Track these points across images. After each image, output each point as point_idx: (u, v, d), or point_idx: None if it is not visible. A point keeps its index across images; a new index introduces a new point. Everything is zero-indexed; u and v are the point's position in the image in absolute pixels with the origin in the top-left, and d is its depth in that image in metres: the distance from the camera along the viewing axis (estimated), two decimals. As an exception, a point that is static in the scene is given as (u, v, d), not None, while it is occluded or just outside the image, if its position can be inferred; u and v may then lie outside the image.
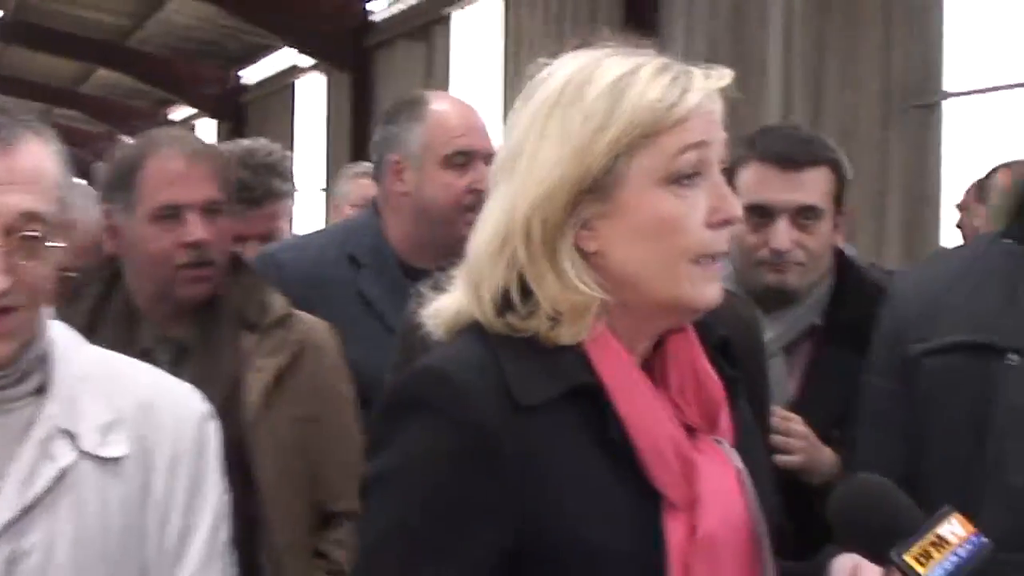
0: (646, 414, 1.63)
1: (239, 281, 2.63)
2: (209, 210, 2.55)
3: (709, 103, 1.63)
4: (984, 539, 1.63)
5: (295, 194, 3.76)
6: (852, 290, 2.75)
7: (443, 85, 13.24)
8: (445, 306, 1.70)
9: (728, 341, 1.79)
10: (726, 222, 1.64)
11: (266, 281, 2.72)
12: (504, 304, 1.64)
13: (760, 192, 2.67)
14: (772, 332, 2.67)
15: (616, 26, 9.58)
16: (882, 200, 7.48)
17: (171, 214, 2.52)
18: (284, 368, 2.53)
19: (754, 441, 1.81)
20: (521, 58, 11.32)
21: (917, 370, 2.20)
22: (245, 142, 3.73)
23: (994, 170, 4.92)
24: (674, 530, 1.60)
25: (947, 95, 7.33)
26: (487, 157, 2.54)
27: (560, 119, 1.61)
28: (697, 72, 1.63)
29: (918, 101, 7.31)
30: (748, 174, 2.67)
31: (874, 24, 7.53)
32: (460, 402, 1.59)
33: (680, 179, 1.61)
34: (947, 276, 2.28)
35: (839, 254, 2.81)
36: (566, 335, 1.63)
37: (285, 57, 17.51)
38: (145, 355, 2.44)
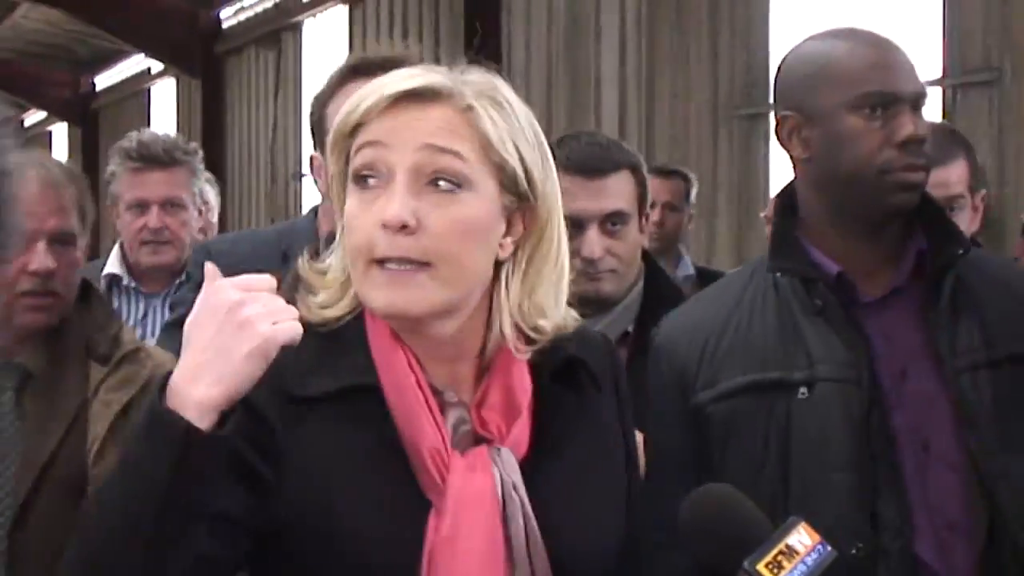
0: (410, 418, 1.63)
1: (90, 312, 2.58)
2: (58, 240, 2.49)
3: (393, 108, 1.62)
4: (829, 548, 1.66)
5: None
6: (661, 294, 2.69)
7: (294, 92, 13.19)
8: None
9: (577, 362, 1.76)
10: (388, 226, 1.59)
11: (115, 315, 2.68)
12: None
13: (568, 203, 2.54)
14: None
15: (458, 39, 9.69)
16: (712, 205, 7.62)
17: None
18: (132, 402, 2.45)
19: (597, 458, 1.76)
20: (368, 66, 11.32)
21: (707, 419, 2.15)
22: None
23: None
24: (431, 529, 1.61)
25: (772, 105, 7.46)
26: None
27: None
28: (379, 81, 1.65)
29: (744, 111, 7.46)
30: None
31: (702, 37, 7.70)
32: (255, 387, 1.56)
33: (357, 179, 1.62)
34: (718, 317, 2.22)
35: (646, 257, 2.79)
36: (333, 314, 1.68)
37: (138, 62, 17.25)
38: None
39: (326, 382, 1.65)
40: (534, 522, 1.64)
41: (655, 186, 5.05)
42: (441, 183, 1.60)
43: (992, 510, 2.02)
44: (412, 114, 1.60)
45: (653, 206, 4.83)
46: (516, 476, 1.65)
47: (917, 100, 2.10)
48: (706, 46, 7.65)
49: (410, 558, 1.59)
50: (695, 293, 4.41)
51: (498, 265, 1.67)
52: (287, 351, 1.55)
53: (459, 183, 1.61)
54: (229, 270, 2.53)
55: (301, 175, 12.40)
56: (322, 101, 2.61)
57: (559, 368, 1.73)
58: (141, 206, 3.61)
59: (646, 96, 8.06)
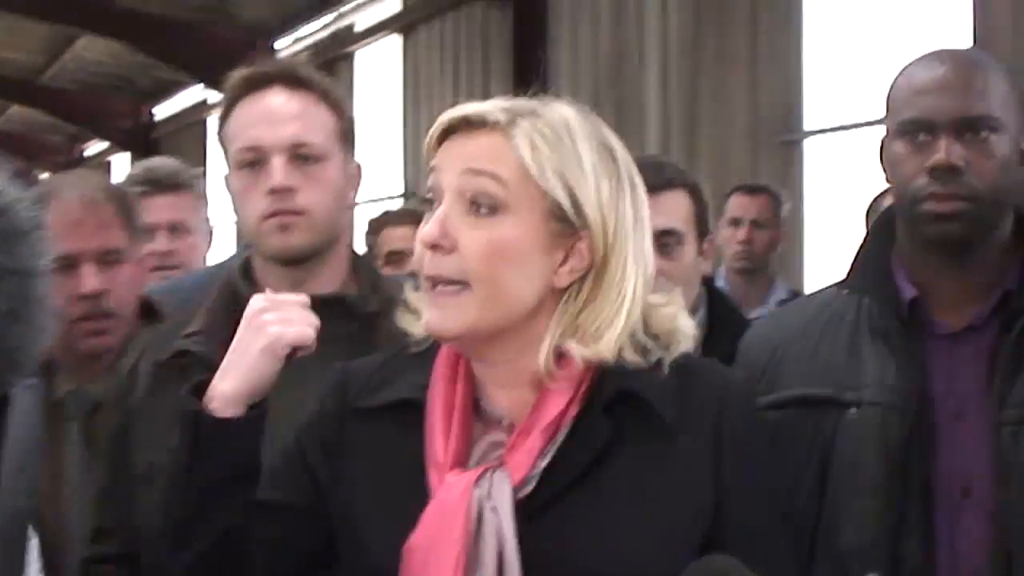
0: (431, 435, 1.68)
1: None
2: (104, 259, 2.47)
3: (449, 136, 1.69)
4: None
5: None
6: (725, 322, 2.59)
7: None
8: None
9: (631, 395, 1.67)
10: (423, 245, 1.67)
11: None
12: None
13: None
14: None
15: (507, 67, 9.83)
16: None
17: (65, 264, 2.36)
18: None
19: (641, 494, 1.66)
20: (419, 96, 11.53)
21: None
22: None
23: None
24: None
25: (808, 133, 7.65)
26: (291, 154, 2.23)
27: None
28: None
29: (782, 138, 7.62)
30: None
31: (741, 66, 7.82)
32: (331, 391, 1.80)
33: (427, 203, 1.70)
34: (795, 327, 2.18)
35: (708, 283, 2.67)
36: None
37: (196, 93, 17.52)
38: (56, 407, 2.48)
39: (384, 395, 1.75)
40: (513, 544, 1.60)
41: (742, 203, 5.11)
42: (481, 206, 1.64)
43: (1014, 566, 1.95)
44: (461, 140, 1.67)
45: (739, 224, 5.02)
46: (501, 498, 1.62)
47: (961, 126, 1.99)
48: (745, 75, 7.79)
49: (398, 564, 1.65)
50: None
51: (560, 293, 1.68)
52: (367, 367, 1.79)
53: (496, 206, 1.64)
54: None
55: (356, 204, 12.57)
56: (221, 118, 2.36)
57: (613, 400, 1.67)
58: (148, 231, 3.30)
59: (688, 125, 8.21)
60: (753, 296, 4.91)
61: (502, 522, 1.61)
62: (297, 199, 2.16)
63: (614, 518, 1.63)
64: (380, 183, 12.04)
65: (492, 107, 1.68)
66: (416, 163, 11.41)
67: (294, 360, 1.74)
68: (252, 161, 2.19)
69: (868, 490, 2.04)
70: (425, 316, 1.68)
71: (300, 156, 2.18)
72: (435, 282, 1.65)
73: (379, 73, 12.93)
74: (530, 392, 1.68)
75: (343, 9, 12.83)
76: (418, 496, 1.66)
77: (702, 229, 2.60)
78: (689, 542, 1.65)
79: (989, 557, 1.97)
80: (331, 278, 2.24)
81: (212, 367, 1.86)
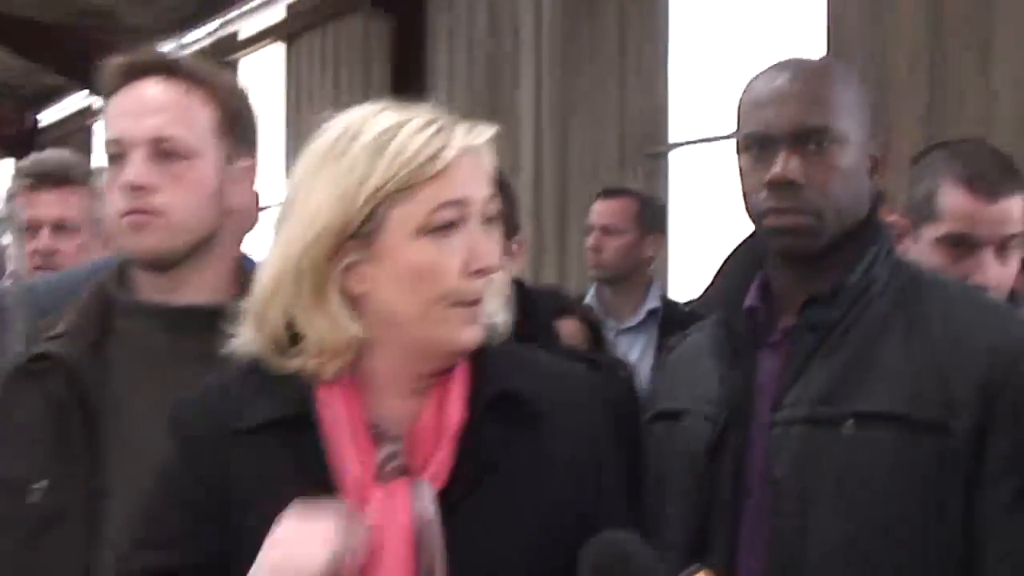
0: (340, 449, 1.63)
1: None
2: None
3: (470, 158, 1.63)
4: None
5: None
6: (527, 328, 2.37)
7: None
8: (241, 340, 1.70)
9: (513, 395, 1.69)
10: (481, 272, 1.63)
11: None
12: (280, 343, 1.66)
13: None
14: None
15: (386, 76, 9.81)
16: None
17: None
18: None
19: (530, 493, 1.68)
20: (301, 104, 11.46)
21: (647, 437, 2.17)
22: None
23: None
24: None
25: (673, 145, 7.75)
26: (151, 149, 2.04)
27: (330, 169, 1.61)
28: (460, 128, 1.65)
29: (650, 150, 7.71)
30: None
31: (612, 81, 7.91)
32: (184, 422, 1.70)
33: (437, 229, 1.61)
34: (686, 344, 2.20)
35: (520, 286, 2.50)
36: (327, 371, 1.65)
37: (80, 99, 17.20)
38: None
39: (262, 413, 1.66)
40: (442, 554, 1.62)
41: (595, 208, 4.76)
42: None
43: (792, 567, 1.92)
44: (478, 160, 1.68)
45: (591, 230, 4.73)
46: (431, 509, 1.62)
47: (798, 138, 1.93)
48: (615, 89, 7.89)
49: None
50: (649, 333, 4.45)
51: None
52: (224, 382, 1.70)
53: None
54: (54, 308, 2.20)
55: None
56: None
57: (495, 401, 1.69)
58: (32, 228, 3.20)
59: (560, 136, 8.29)
60: (623, 306, 4.69)
61: (435, 534, 1.62)
62: (154, 198, 1.99)
63: (506, 521, 1.66)
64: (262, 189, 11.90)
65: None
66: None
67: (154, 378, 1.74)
68: (114, 155, 2.03)
69: (673, 495, 2.06)
70: (459, 333, 1.65)
71: (163, 152, 2.00)
72: (476, 303, 1.66)
73: (263, 81, 12.82)
74: (414, 399, 1.69)
75: (227, 16, 12.67)
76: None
77: (510, 228, 2.38)
78: (576, 535, 1.68)
79: (767, 560, 1.94)
80: (206, 286, 2.05)
81: (72, 371, 1.82)
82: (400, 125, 1.63)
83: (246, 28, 12.70)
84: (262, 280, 1.68)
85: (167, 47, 12.36)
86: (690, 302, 4.59)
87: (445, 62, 9.50)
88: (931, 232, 2.48)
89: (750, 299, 2.05)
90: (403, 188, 1.61)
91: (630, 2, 7.79)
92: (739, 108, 2.03)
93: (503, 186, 2.22)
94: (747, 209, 2.02)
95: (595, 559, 1.60)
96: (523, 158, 8.43)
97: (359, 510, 1.59)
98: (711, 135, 7.53)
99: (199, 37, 13.58)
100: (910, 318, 1.95)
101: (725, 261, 2.30)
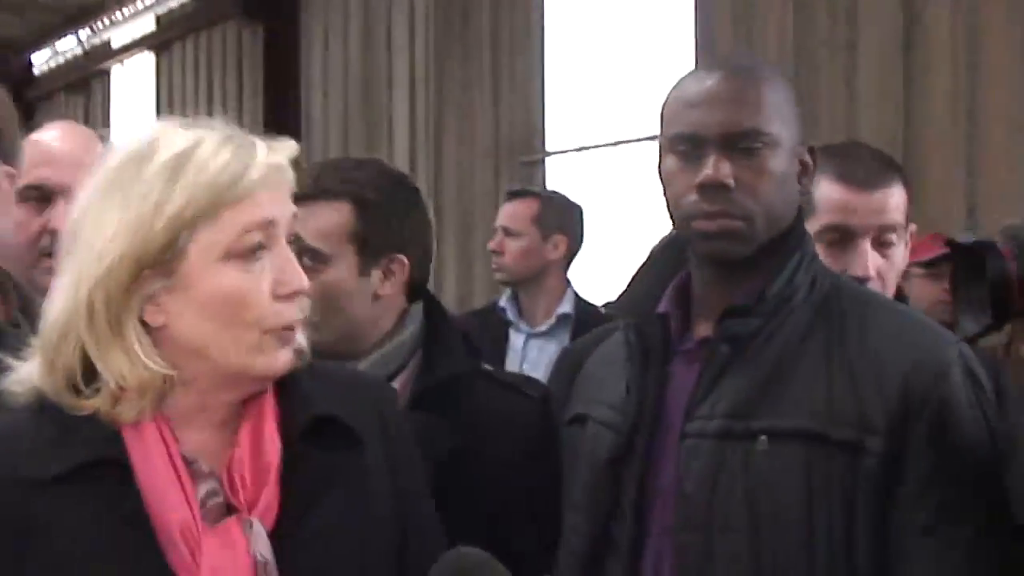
0: (158, 494, 1.49)
1: None
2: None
3: (275, 176, 1.54)
4: None
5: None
6: (443, 345, 2.27)
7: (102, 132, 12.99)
8: (24, 376, 1.56)
9: (330, 419, 1.62)
10: (292, 295, 1.55)
11: None
12: (75, 382, 1.52)
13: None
14: None
15: (259, 86, 9.70)
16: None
17: None
18: None
19: (353, 520, 1.60)
20: (173, 112, 11.24)
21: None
22: None
23: None
24: None
25: (548, 153, 7.75)
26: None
27: (122, 195, 1.49)
28: (260, 145, 1.55)
29: (524, 158, 7.71)
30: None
31: (485, 89, 7.90)
32: None
33: (244, 254, 1.51)
34: (602, 346, 2.15)
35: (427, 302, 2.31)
36: (128, 413, 1.52)
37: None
38: None
39: (65, 459, 1.50)
40: None
41: (501, 210, 4.59)
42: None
43: None
44: (283, 178, 1.61)
45: (496, 232, 4.54)
46: (267, 550, 1.53)
47: (730, 140, 1.87)
48: (488, 97, 7.87)
49: None
50: (560, 338, 4.27)
51: None
52: (12, 425, 1.53)
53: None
54: None
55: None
56: None
57: (309, 427, 1.61)
58: None
59: (434, 143, 8.25)
60: (535, 309, 4.53)
61: (267, 568, 1.53)
62: None
63: (334, 553, 1.59)
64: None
65: None
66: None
67: None
68: None
69: (571, 504, 2.01)
70: (270, 361, 1.55)
71: None
72: (288, 328, 1.57)
73: (134, 90, 12.63)
74: (222, 430, 1.59)
75: (97, 25, 12.46)
76: (152, 566, 1.49)
77: (367, 249, 2.22)
78: (400, 555, 1.66)
79: None
80: None
81: None
82: (196, 144, 1.52)
83: (117, 37, 12.51)
84: (51, 315, 1.54)
85: (39, 55, 12.18)
86: (608, 304, 4.47)
87: (319, 70, 9.44)
88: (811, 228, 2.34)
89: (664, 304, 1.99)
90: (205, 213, 1.50)
91: (504, 11, 7.78)
92: (666, 108, 1.98)
93: (366, 204, 2.19)
94: (671, 212, 1.96)
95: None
96: (397, 165, 8.33)
97: (192, 557, 1.48)
98: (585, 143, 7.54)
99: (71, 46, 13.38)
100: (829, 330, 1.88)
101: (642, 264, 2.12)
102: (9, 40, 13.88)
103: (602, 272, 7.06)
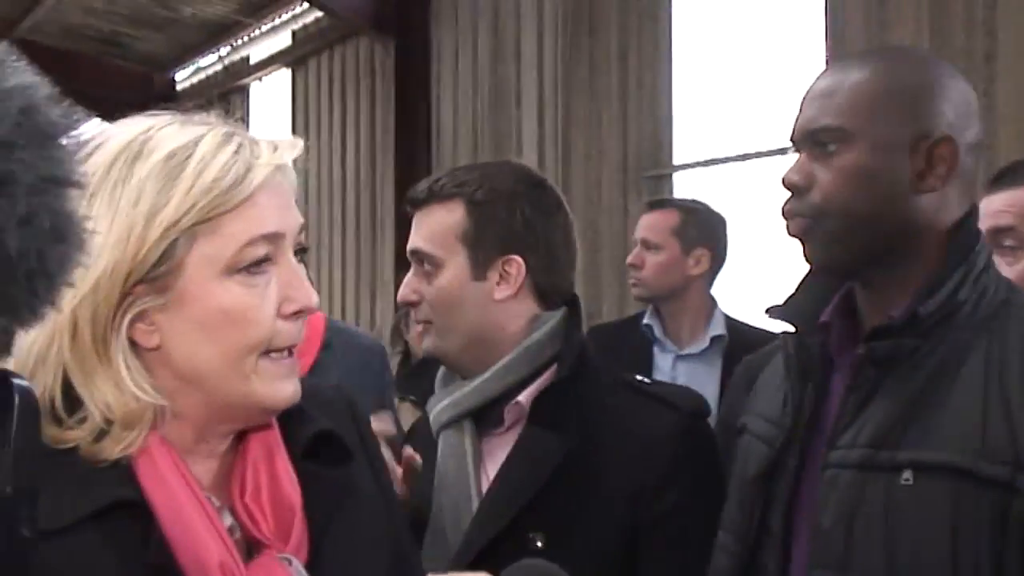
0: (190, 534, 1.31)
1: None
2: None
3: (279, 179, 1.37)
4: None
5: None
6: (567, 350, 2.14)
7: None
8: None
9: (331, 435, 1.47)
10: (299, 312, 1.38)
11: None
12: (56, 411, 1.33)
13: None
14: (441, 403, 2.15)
15: (390, 101, 9.73)
16: (623, 261, 7.68)
17: None
18: None
19: (362, 545, 1.47)
20: (308, 128, 11.37)
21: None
22: None
23: None
24: None
25: (676, 167, 7.60)
26: None
27: (110, 199, 1.31)
28: (264, 144, 1.37)
29: (651, 172, 7.57)
30: None
31: (613, 103, 7.80)
32: None
33: (248, 268, 1.34)
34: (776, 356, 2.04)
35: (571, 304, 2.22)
36: (115, 446, 1.32)
37: (94, 126, 17.11)
38: None
39: (76, 505, 1.29)
40: None
41: (640, 221, 4.22)
42: None
43: None
44: (287, 182, 1.47)
45: (633, 245, 4.18)
46: None
47: (806, 139, 1.78)
48: (616, 111, 7.77)
49: None
50: (712, 362, 4.01)
51: None
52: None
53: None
54: None
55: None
56: None
57: (309, 444, 1.46)
58: None
59: (562, 157, 8.17)
60: (681, 329, 4.17)
61: None
62: None
63: (364, 568, 1.47)
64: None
65: None
66: (305, 193, 11.22)
67: None
68: None
69: (725, 523, 1.90)
70: (277, 388, 1.38)
71: None
72: (290, 351, 1.41)
73: (272, 105, 12.77)
74: (217, 459, 1.42)
75: (237, 43, 12.63)
76: None
77: (480, 250, 2.13)
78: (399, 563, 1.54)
79: None
80: None
81: None
82: (194, 142, 1.34)
83: (256, 53, 12.65)
84: (29, 336, 1.32)
85: (182, 73, 12.39)
86: (770, 309, 4.21)
87: (449, 84, 9.42)
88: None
89: (827, 314, 1.84)
90: (204, 221, 1.32)
91: (632, 23, 7.68)
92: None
93: (477, 204, 2.11)
94: None
95: None
96: (526, 181, 8.30)
97: None
98: (714, 157, 7.38)
99: (211, 63, 13.58)
100: (990, 352, 1.68)
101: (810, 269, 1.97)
102: (153, 57, 14.14)
103: (735, 290, 6.91)
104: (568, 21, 8.16)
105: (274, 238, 1.36)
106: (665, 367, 4.13)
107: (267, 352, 1.36)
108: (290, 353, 1.39)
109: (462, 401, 2.12)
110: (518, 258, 2.12)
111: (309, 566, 1.38)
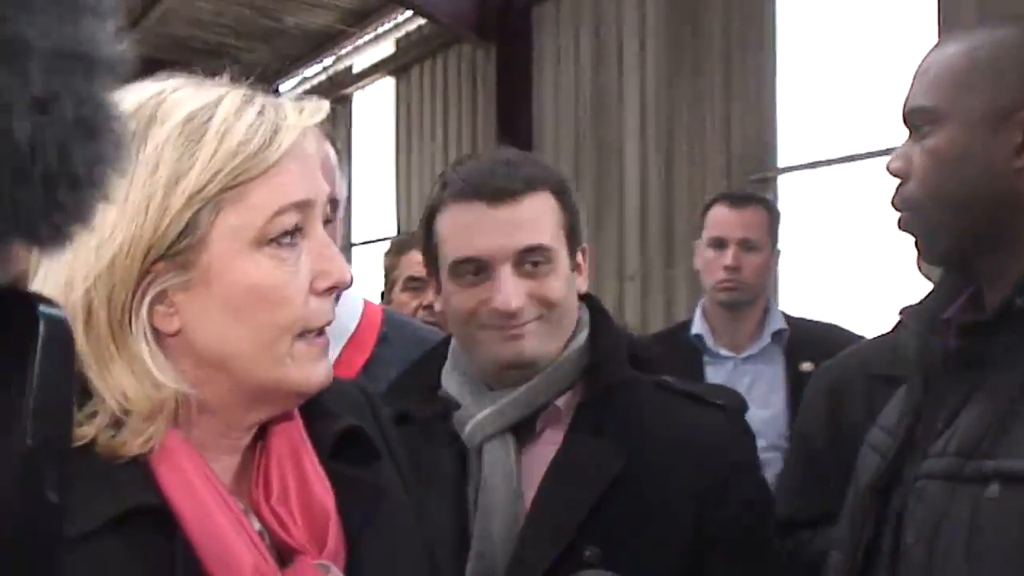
0: (220, 541, 1.21)
1: None
2: None
3: (307, 144, 1.26)
4: None
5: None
6: (610, 350, 2.01)
7: (345, 158, 13.22)
8: None
9: (359, 432, 1.38)
10: (333, 288, 1.28)
11: None
12: None
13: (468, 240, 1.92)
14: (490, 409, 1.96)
15: (493, 107, 9.70)
16: (728, 266, 7.56)
17: None
18: None
19: (398, 551, 1.38)
20: (412, 135, 11.37)
21: None
22: None
23: None
24: None
25: (781, 170, 7.44)
26: None
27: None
28: (288, 105, 1.27)
29: (755, 175, 7.43)
30: (446, 218, 1.96)
31: (716, 106, 7.68)
32: None
33: (278, 240, 1.24)
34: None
35: (591, 302, 2.08)
36: (133, 441, 1.21)
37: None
38: None
39: (94, 509, 1.18)
40: None
41: (727, 219, 3.94)
42: None
43: None
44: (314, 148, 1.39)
45: (723, 245, 3.93)
46: None
47: (907, 125, 1.69)
48: (720, 114, 7.64)
49: None
50: (774, 359, 3.80)
51: None
52: None
53: None
54: None
55: (351, 245, 12.37)
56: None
57: (336, 443, 1.36)
58: None
59: (665, 163, 8.04)
60: (740, 332, 3.96)
61: None
62: None
63: (391, 573, 1.37)
64: (375, 223, 11.86)
65: None
66: (408, 202, 11.21)
67: None
68: None
69: (838, 541, 1.77)
70: (310, 371, 1.27)
71: None
72: (322, 331, 1.31)
73: (375, 114, 12.80)
74: (239, 458, 1.31)
75: (340, 52, 12.67)
76: None
77: (574, 240, 2.01)
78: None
79: None
80: None
81: None
82: (214, 104, 1.22)
83: (359, 62, 12.69)
84: None
85: (287, 83, 12.48)
86: (903, 309, 3.94)
87: (550, 90, 9.35)
88: None
89: (951, 311, 1.67)
90: (230, 188, 1.20)
91: (735, 24, 7.56)
92: None
93: (564, 189, 1.99)
94: None
95: None
96: (628, 187, 8.20)
97: None
98: (820, 159, 7.21)
99: (314, 73, 13.66)
100: None
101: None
102: (259, 68, 14.28)
103: (833, 293, 6.74)
104: (670, 23, 8.05)
105: (304, 207, 1.25)
106: (720, 377, 3.88)
107: (301, 334, 1.25)
108: (321, 333, 1.28)
109: (508, 410, 1.96)
110: (587, 246, 2.03)
111: (347, 573, 1.28)
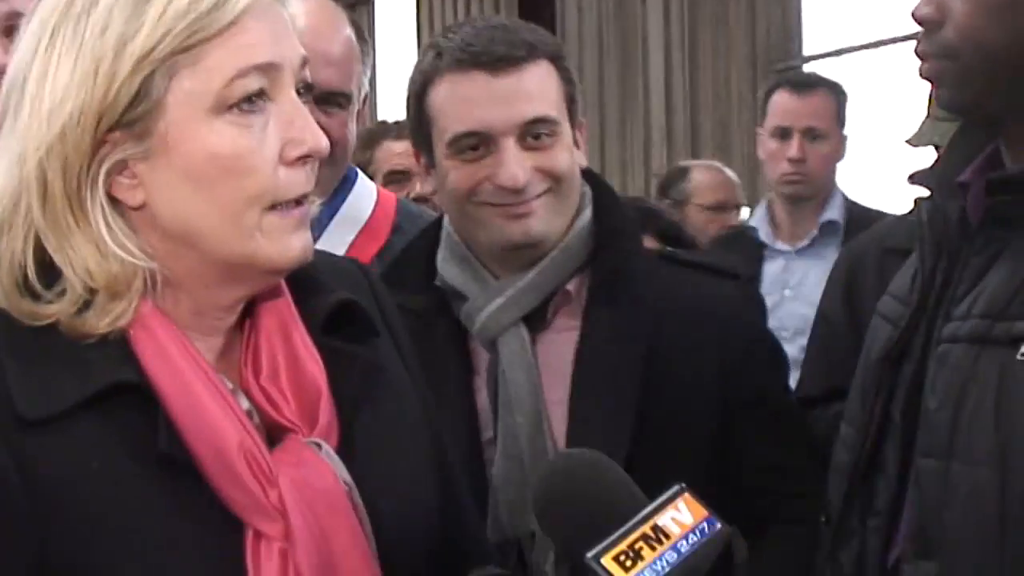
0: (204, 418, 1.15)
1: None
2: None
3: (276, 6, 1.19)
4: (717, 524, 1.15)
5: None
6: (615, 231, 1.91)
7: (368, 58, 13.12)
8: None
9: (354, 305, 1.31)
10: (305, 157, 1.20)
11: None
12: (28, 283, 1.16)
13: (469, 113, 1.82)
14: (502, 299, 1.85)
15: (515, 6, 9.61)
16: (754, 159, 7.53)
17: None
18: None
19: (396, 430, 1.32)
20: (434, 34, 11.25)
21: None
22: None
23: None
24: (266, 568, 1.16)
25: (807, 59, 7.38)
26: None
27: (73, 33, 1.14)
28: None
29: (781, 65, 7.38)
30: (442, 90, 1.84)
31: (740, -4, 7.61)
32: None
33: (239, 105, 1.16)
34: None
35: (591, 178, 1.97)
36: (100, 319, 1.15)
37: None
38: None
39: (67, 389, 1.14)
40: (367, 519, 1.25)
41: (790, 107, 3.62)
42: None
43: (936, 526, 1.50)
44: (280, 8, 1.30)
45: (787, 135, 3.62)
46: (346, 473, 1.23)
47: None
48: (744, 3, 7.58)
49: None
50: (827, 251, 3.39)
51: None
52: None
53: None
54: None
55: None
56: None
57: (329, 317, 1.29)
58: None
59: (690, 55, 7.98)
60: (800, 224, 3.70)
61: (358, 500, 1.23)
62: None
63: (390, 454, 1.31)
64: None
65: None
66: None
67: None
68: None
69: (849, 413, 1.71)
70: (285, 244, 1.20)
71: None
72: (300, 202, 1.23)
73: (397, 18, 12.70)
74: (224, 338, 1.26)
75: (361, -45, 12.53)
76: (202, 507, 1.16)
77: (572, 113, 1.89)
78: (436, 452, 1.39)
79: (910, 512, 1.53)
80: None
81: None
82: None
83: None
84: None
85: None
86: (912, 174, 3.51)
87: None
88: None
89: (967, 174, 1.57)
90: (183, 50, 1.13)
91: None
92: None
93: (560, 61, 1.88)
94: None
95: (558, 483, 1.20)
96: (652, 81, 8.16)
97: (263, 490, 1.16)
98: (845, 46, 7.17)
99: (335, -24, 13.52)
100: None
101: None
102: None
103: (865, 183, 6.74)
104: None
105: (269, 69, 1.17)
106: (774, 271, 3.69)
107: (272, 206, 1.19)
108: (299, 203, 1.21)
109: (520, 298, 1.85)
110: (585, 121, 1.94)
111: (340, 451, 1.23)
